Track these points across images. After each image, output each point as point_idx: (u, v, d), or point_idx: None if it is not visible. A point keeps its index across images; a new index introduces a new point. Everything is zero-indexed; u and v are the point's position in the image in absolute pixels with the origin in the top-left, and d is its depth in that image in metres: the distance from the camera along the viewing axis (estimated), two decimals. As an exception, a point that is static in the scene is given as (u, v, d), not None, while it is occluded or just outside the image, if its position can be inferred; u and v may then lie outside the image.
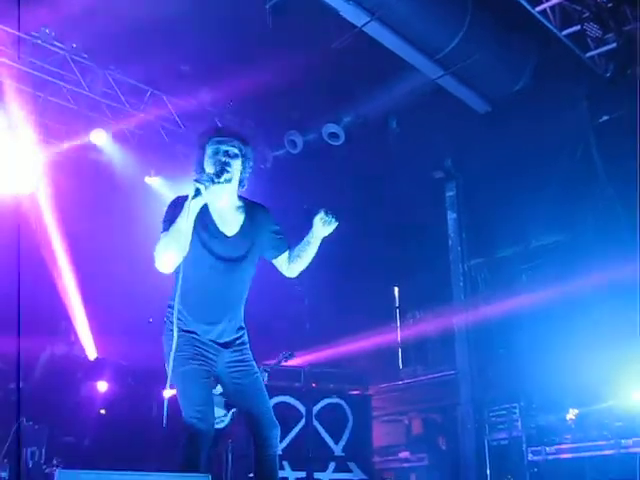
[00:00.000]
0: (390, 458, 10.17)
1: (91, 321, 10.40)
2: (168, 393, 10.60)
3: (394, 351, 12.37)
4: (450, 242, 11.16)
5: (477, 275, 11.10)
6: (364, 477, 8.66)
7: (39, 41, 9.48)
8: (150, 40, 9.18)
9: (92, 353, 10.15)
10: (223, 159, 4.16)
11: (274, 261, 4.47)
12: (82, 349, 9.89)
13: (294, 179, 11.18)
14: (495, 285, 10.84)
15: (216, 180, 4.04)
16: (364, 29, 8.46)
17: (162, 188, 11.77)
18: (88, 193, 10.64)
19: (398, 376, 11.69)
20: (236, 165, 4.22)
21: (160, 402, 10.08)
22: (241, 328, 4.37)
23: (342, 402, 9.03)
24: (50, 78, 10.00)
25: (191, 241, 4.08)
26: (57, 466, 7.61)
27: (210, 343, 4.20)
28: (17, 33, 9.35)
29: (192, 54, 9.94)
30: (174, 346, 4.05)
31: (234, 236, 4.26)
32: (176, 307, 4.17)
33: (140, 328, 10.72)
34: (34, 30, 9.40)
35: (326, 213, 4.23)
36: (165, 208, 4.24)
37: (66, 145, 11.01)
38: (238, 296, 4.34)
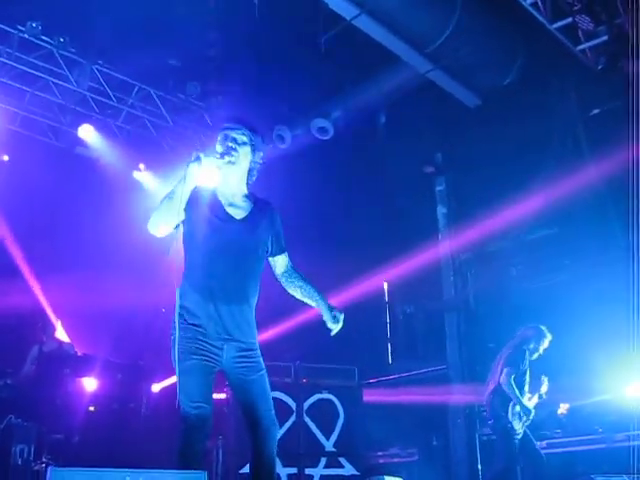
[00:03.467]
0: (380, 454, 10.17)
1: (78, 317, 10.33)
2: (157, 388, 10.53)
3: (384, 346, 12.36)
4: (440, 236, 11.16)
5: (467, 270, 11.09)
6: (355, 472, 8.64)
7: (26, 35, 9.39)
8: (138, 35, 9.14)
9: (80, 349, 10.09)
10: (230, 144, 4.22)
11: (270, 259, 4.44)
12: (70, 345, 9.82)
13: (282, 173, 11.13)
14: (485, 279, 10.84)
15: (217, 157, 4.11)
16: (353, 22, 8.43)
17: (150, 183, 11.72)
18: (76, 188, 10.57)
19: (388, 371, 11.67)
20: (243, 152, 4.26)
21: (149, 397, 10.06)
22: (251, 326, 4.29)
23: (333, 397, 9.01)
24: (37, 73, 9.92)
25: (201, 226, 4.12)
26: (47, 463, 7.56)
27: (216, 336, 4.12)
28: (4, 27, 9.27)
29: (180, 49, 9.91)
30: (177, 337, 4.05)
31: (242, 220, 4.27)
32: (178, 300, 4.14)
33: (128, 323, 10.72)
34: (20, 24, 9.31)
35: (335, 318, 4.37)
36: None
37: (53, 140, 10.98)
38: (247, 284, 4.27)
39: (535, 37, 8.77)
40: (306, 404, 8.82)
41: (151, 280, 10.11)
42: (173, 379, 10.35)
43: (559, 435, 8.43)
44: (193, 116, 11.36)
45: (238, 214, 4.28)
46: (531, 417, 7.46)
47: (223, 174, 4.19)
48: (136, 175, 11.71)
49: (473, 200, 10.49)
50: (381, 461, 9.99)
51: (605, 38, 8.19)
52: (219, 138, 4.29)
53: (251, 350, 4.24)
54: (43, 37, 9.53)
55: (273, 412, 4.21)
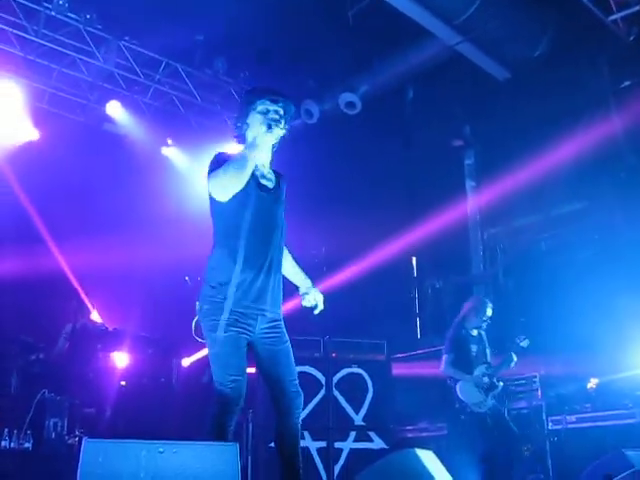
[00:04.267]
0: (409, 428, 10.17)
1: (108, 291, 10.43)
2: (187, 362, 10.62)
3: (413, 321, 12.35)
4: (468, 211, 11.09)
5: (496, 244, 11.04)
6: (384, 446, 8.67)
7: (53, 12, 9.40)
8: (164, 10, 9.11)
9: (110, 324, 10.19)
10: (274, 116, 4.28)
11: None
12: (102, 324, 9.93)
13: (310, 146, 11.10)
14: (514, 254, 10.78)
15: (279, 126, 4.25)
16: (381, -5, 8.34)
17: (178, 158, 11.75)
18: (104, 165, 10.62)
19: (417, 346, 11.67)
20: (283, 124, 4.34)
21: (179, 371, 10.15)
22: (280, 296, 4.36)
23: (362, 371, 9.02)
24: (64, 50, 9.95)
25: (239, 195, 4.16)
26: (80, 437, 7.66)
27: (252, 307, 4.15)
28: (30, 5, 9.29)
29: (206, 24, 9.87)
30: (210, 309, 4.11)
31: (273, 191, 4.37)
32: (212, 269, 4.22)
33: (158, 297, 10.80)
34: (47, 1, 9.33)
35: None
36: (212, 160, 4.29)
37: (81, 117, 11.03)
38: (279, 254, 4.36)
39: (566, 8, 8.62)
40: (335, 378, 8.84)
41: (181, 253, 10.21)
42: (202, 353, 10.40)
43: (588, 410, 8.39)
44: (220, 92, 11.35)
45: (269, 184, 4.37)
46: (496, 384, 7.60)
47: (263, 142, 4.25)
48: (164, 151, 11.75)
49: (502, 174, 10.40)
50: (410, 435, 9.99)
51: (638, 8, 8.05)
52: (260, 108, 4.31)
53: (278, 321, 4.30)
54: (70, 14, 9.52)
55: (297, 382, 4.25)
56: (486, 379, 7.59)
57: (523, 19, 8.93)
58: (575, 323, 8.85)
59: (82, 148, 10.46)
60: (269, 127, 4.19)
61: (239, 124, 4.40)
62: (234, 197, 4.14)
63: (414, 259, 12.62)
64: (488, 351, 7.87)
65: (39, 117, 10.55)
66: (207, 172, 4.24)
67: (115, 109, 10.83)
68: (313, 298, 4.48)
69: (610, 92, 9.29)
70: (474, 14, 8.43)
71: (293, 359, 4.30)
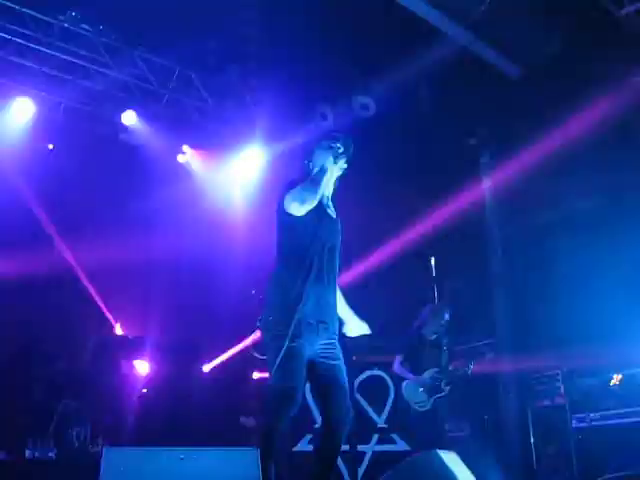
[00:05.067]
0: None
1: (129, 299, 10.47)
2: (207, 368, 10.66)
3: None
4: (485, 209, 11.04)
5: (514, 242, 10.98)
6: (407, 448, 8.65)
7: (66, 24, 9.46)
8: (177, 19, 9.15)
9: (130, 332, 10.24)
10: (340, 150, 4.63)
11: None
12: (122, 332, 9.98)
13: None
14: (532, 252, 10.72)
15: (343, 159, 4.63)
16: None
17: (194, 165, 11.78)
18: (120, 175, 10.67)
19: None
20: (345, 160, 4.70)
21: (200, 378, 10.18)
22: (336, 317, 4.60)
23: (383, 374, 9.03)
24: (78, 61, 9.99)
25: (310, 219, 4.53)
26: (102, 445, 7.70)
27: (317, 320, 4.39)
28: (43, 17, 9.35)
29: (219, 31, 9.89)
30: (277, 319, 4.32)
31: (336, 220, 4.73)
32: (281, 284, 4.46)
33: (179, 303, 10.82)
34: (60, 13, 9.38)
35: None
36: (286, 183, 4.67)
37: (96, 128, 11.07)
38: (337, 275, 4.65)
39: (577, 3, 8.57)
40: (357, 381, 8.86)
41: (200, 258, 10.24)
42: (222, 358, 10.44)
43: (613, 407, 8.32)
44: (234, 98, 11.36)
45: (332, 214, 4.73)
46: (442, 389, 7.97)
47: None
48: (180, 159, 11.77)
49: (518, 172, 10.35)
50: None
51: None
52: (324, 145, 4.67)
53: (335, 338, 4.51)
54: (83, 25, 9.58)
55: (348, 398, 4.41)
56: (430, 381, 7.98)
57: (535, 17, 8.89)
58: (595, 318, 8.80)
59: (98, 159, 10.51)
60: (335, 158, 4.58)
61: (306, 161, 4.74)
62: (306, 217, 4.49)
63: (432, 259, 12.57)
64: (445, 355, 8.20)
65: (54, 129, 10.60)
66: (282, 191, 4.59)
67: (130, 118, 10.84)
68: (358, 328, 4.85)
69: (626, 84, 9.22)
70: (486, 12, 8.41)
71: (346, 377, 4.47)
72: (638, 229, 9.21)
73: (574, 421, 8.57)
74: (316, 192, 4.43)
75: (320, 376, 4.40)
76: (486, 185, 11.08)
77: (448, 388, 7.97)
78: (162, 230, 10.48)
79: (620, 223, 9.46)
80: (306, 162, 4.72)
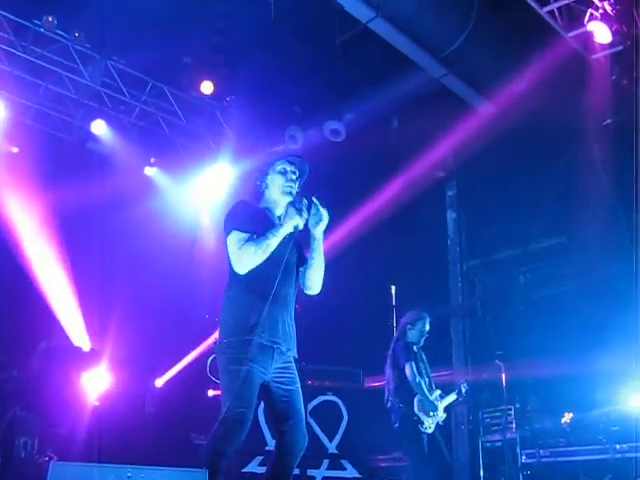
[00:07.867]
0: (382, 457, 10.14)
1: (86, 311, 10.35)
2: (160, 382, 10.54)
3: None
4: (449, 242, 11.14)
5: (475, 276, 11.08)
6: (357, 475, 8.64)
7: (41, 29, 9.42)
8: (152, 31, 9.14)
9: (87, 344, 10.11)
10: (293, 177, 4.60)
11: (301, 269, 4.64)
12: (77, 345, 9.86)
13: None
14: (492, 286, 10.82)
15: (294, 188, 4.58)
16: (369, 25, 8.41)
17: (161, 180, 11.72)
18: (86, 183, 10.58)
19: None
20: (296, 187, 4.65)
21: (153, 392, 10.07)
22: (292, 338, 4.48)
23: (337, 399, 9.02)
24: (51, 67, 9.94)
25: None
26: (50, 457, 7.57)
27: (271, 346, 4.27)
28: (20, 21, 9.30)
29: (194, 47, 9.92)
30: (233, 341, 4.23)
31: (290, 238, 4.44)
32: (235, 305, 4.35)
33: (136, 320, 10.73)
34: (36, 18, 9.34)
35: (308, 206, 4.45)
36: (230, 209, 4.55)
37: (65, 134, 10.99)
38: (294, 291, 4.54)
39: (549, 44, 8.71)
40: (310, 405, 8.82)
41: (163, 273, 10.16)
42: (173, 371, 10.30)
43: (562, 444, 8.40)
44: (206, 115, 11.37)
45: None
46: (439, 415, 7.14)
47: (280, 200, 4.58)
48: (147, 171, 11.71)
49: (483, 206, 10.47)
50: (383, 464, 9.96)
51: (620, 48, 8.16)
52: (278, 168, 4.60)
53: (291, 362, 4.41)
54: (58, 31, 9.55)
55: (304, 424, 4.33)
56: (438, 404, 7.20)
57: (508, 53, 9.02)
58: (552, 357, 8.88)
59: (65, 165, 10.41)
60: (288, 193, 4.52)
61: (258, 182, 4.66)
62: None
63: (393, 288, 12.63)
64: (428, 372, 7.46)
65: (23, 132, 10.50)
66: (226, 224, 4.44)
67: (100, 128, 10.77)
68: None
69: (592, 129, 9.39)
70: (460, 48, 8.52)
71: (302, 402, 4.38)
72: (596, 272, 9.35)
73: (524, 457, 8.62)
74: (263, 257, 4.27)
75: (275, 401, 4.31)
76: (451, 218, 11.17)
77: (444, 415, 7.19)
78: (124, 242, 10.38)
79: (579, 263, 9.59)
80: (258, 183, 4.65)
